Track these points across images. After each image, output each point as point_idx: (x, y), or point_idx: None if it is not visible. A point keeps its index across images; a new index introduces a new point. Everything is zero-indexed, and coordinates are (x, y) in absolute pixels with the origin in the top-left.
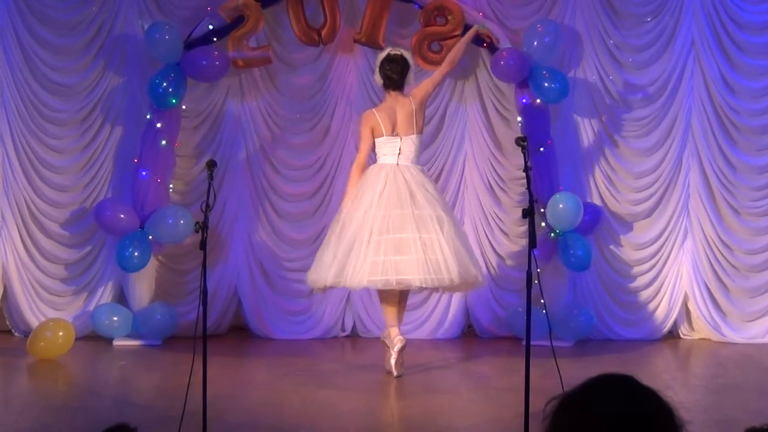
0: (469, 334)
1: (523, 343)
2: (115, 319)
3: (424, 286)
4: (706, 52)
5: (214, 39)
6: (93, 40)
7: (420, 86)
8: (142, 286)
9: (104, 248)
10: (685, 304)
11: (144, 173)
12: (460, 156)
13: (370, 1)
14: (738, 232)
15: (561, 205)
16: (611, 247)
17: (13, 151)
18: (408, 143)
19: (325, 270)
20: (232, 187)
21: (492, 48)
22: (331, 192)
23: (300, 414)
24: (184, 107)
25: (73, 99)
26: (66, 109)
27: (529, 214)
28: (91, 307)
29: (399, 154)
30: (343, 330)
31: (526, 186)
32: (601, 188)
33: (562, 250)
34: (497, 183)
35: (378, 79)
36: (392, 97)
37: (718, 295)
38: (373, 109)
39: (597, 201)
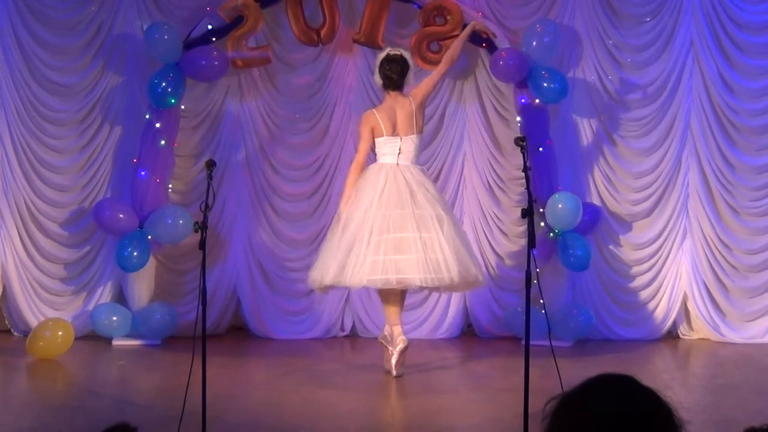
0: (469, 334)
1: (523, 343)
2: (115, 318)
3: (424, 285)
4: (705, 52)
5: (214, 39)
6: (92, 40)
7: (419, 86)
8: (142, 286)
9: (103, 248)
10: (684, 304)
11: (143, 173)
12: (459, 156)
13: (369, 1)
14: (737, 232)
15: (560, 205)
16: (610, 247)
17: (12, 151)
18: (408, 143)
19: (325, 269)
20: (231, 187)
21: (491, 47)
22: (330, 192)
23: (299, 414)
24: (183, 107)
25: (72, 99)
26: (65, 109)
27: (528, 214)
28: (91, 307)
29: (399, 154)
30: (343, 330)
31: (525, 186)
32: (600, 188)
33: (562, 250)
34: (496, 183)
35: (378, 80)
36: (392, 98)
37: (717, 295)
38: (373, 110)
39: (596, 201)
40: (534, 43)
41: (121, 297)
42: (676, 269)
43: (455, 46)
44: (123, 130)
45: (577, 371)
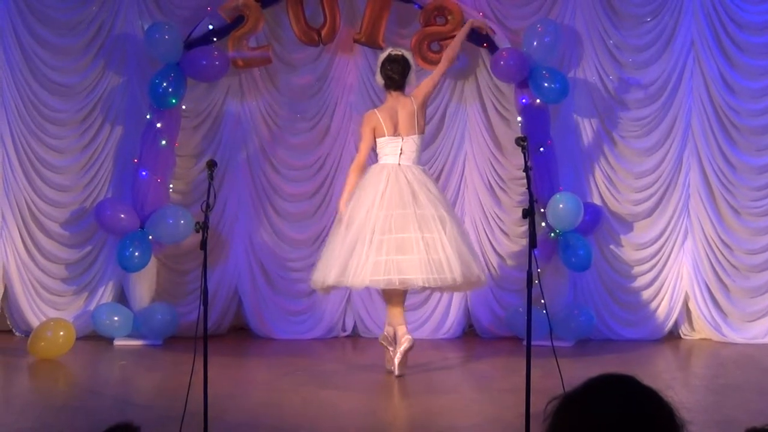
0: (470, 334)
1: (524, 343)
2: (116, 318)
3: (426, 285)
4: (706, 52)
5: (214, 39)
6: (93, 40)
7: (420, 86)
8: (143, 286)
9: (105, 248)
10: (685, 304)
11: (144, 173)
12: (460, 156)
13: (369, 1)
14: (738, 232)
15: (561, 205)
16: (611, 247)
17: (13, 151)
18: (409, 143)
19: (327, 270)
20: (232, 187)
21: (492, 47)
22: (331, 192)
23: (300, 414)
24: (184, 107)
25: (73, 99)
26: (66, 109)
27: (529, 214)
28: (92, 307)
29: (401, 154)
30: (344, 330)
31: (526, 186)
32: (601, 188)
33: (563, 250)
34: (497, 183)
35: (379, 80)
36: (393, 98)
37: (719, 295)
38: (375, 110)
39: (597, 201)
40: (535, 43)
41: (122, 297)
42: (677, 269)
43: (454, 45)
44: (124, 130)
45: (578, 371)
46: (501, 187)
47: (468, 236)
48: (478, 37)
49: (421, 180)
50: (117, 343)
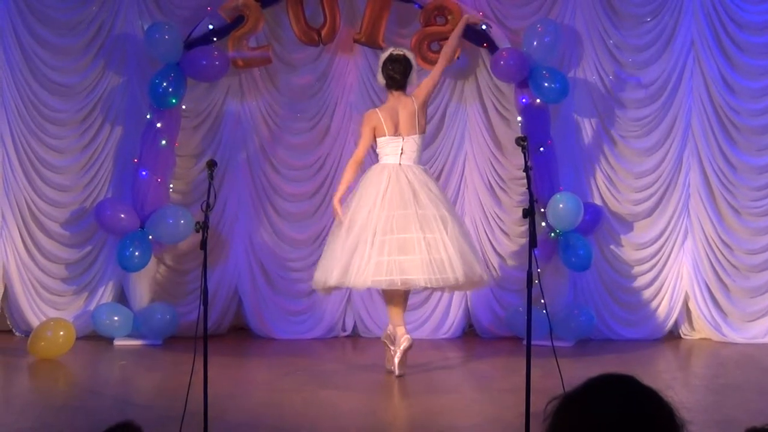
0: (470, 334)
1: (524, 343)
2: (116, 318)
3: (428, 286)
4: (706, 52)
5: (214, 39)
6: (93, 40)
7: (420, 86)
8: (143, 285)
9: (105, 248)
10: (685, 304)
11: (144, 173)
12: (461, 156)
13: (369, 1)
14: (738, 231)
15: (561, 205)
16: (612, 246)
17: (13, 151)
18: (410, 143)
19: (328, 271)
20: (232, 187)
21: (492, 47)
22: (331, 192)
23: (301, 414)
24: (184, 107)
25: (73, 99)
26: (66, 109)
27: (529, 214)
28: (92, 307)
29: (401, 154)
30: (344, 330)
31: (526, 186)
32: (601, 188)
33: (563, 250)
34: (497, 183)
35: (380, 79)
36: (395, 97)
37: (719, 295)
38: (376, 109)
39: (597, 201)
40: (535, 43)
41: (122, 297)
42: (677, 269)
43: (450, 43)
44: (124, 130)
45: (578, 371)
46: (501, 187)
47: (470, 236)
48: (478, 37)
49: (422, 180)
50: (117, 343)
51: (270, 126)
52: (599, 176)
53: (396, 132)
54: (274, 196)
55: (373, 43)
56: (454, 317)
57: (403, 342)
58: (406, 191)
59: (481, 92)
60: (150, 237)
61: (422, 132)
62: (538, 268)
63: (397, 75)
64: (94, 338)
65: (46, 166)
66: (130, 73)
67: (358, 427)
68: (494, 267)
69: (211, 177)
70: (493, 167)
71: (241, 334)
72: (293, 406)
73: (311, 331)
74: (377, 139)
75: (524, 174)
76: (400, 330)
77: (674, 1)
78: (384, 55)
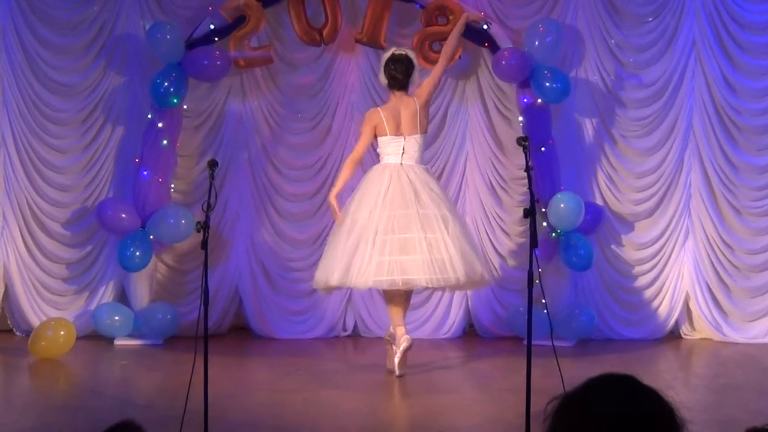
0: (471, 334)
1: (525, 342)
2: (117, 318)
3: (430, 285)
4: (708, 51)
5: (216, 39)
6: (94, 39)
7: (422, 86)
8: (144, 285)
9: (105, 248)
10: (686, 303)
11: (145, 173)
12: (462, 156)
13: (371, 0)
14: (739, 231)
15: (562, 205)
16: (612, 246)
17: (14, 151)
18: (412, 143)
19: (330, 271)
20: (233, 186)
21: (494, 47)
22: None
23: (301, 414)
24: (185, 107)
25: (74, 99)
26: (67, 109)
27: (530, 213)
28: (93, 307)
29: (403, 153)
30: (345, 330)
31: (527, 186)
32: (602, 188)
33: (564, 250)
34: (498, 183)
35: (382, 79)
36: (396, 97)
37: (720, 295)
38: (378, 108)
39: (598, 201)
40: (536, 43)
41: (123, 297)
42: (678, 269)
43: (451, 41)
44: (125, 130)
45: (579, 371)
46: (502, 187)
47: (471, 235)
48: (480, 37)
49: (423, 179)
50: (117, 342)
51: (271, 126)
52: (600, 176)
53: (398, 132)
54: (275, 196)
55: (374, 43)
56: (455, 317)
57: (403, 342)
58: (408, 191)
59: (483, 92)
60: (151, 237)
61: (424, 132)
62: (538, 267)
63: (400, 75)
64: (95, 338)
65: (48, 166)
66: (132, 73)
67: (358, 427)
68: (495, 267)
69: (212, 177)
70: (494, 167)
71: (241, 333)
72: (294, 405)
73: (312, 331)
74: (378, 139)
75: (525, 174)
76: (400, 330)
77: (676, 0)
78: (386, 55)
